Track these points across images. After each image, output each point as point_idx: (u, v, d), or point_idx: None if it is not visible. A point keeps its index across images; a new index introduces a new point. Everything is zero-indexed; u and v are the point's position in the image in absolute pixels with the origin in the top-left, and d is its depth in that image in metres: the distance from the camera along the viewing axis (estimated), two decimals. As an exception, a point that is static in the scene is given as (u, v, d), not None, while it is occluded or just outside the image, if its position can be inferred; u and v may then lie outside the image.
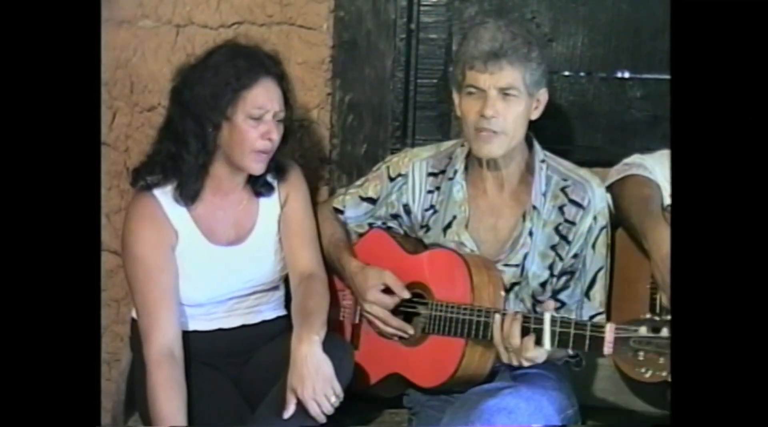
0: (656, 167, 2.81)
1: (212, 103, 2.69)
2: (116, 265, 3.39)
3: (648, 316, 2.39)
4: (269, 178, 2.88)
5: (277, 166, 2.87)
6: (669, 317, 2.32)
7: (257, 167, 2.76)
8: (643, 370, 2.33)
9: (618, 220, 2.85)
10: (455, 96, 2.81)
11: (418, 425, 2.83)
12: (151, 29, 3.30)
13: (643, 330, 2.34)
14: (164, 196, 2.78)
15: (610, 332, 2.41)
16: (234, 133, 2.72)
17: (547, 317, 2.49)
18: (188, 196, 2.77)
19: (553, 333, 2.48)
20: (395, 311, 2.83)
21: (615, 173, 2.89)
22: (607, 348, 2.41)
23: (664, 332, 2.31)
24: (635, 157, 2.89)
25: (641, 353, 2.34)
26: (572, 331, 2.47)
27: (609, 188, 2.86)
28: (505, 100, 2.68)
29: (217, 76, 2.70)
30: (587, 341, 2.45)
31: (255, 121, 2.71)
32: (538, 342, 2.50)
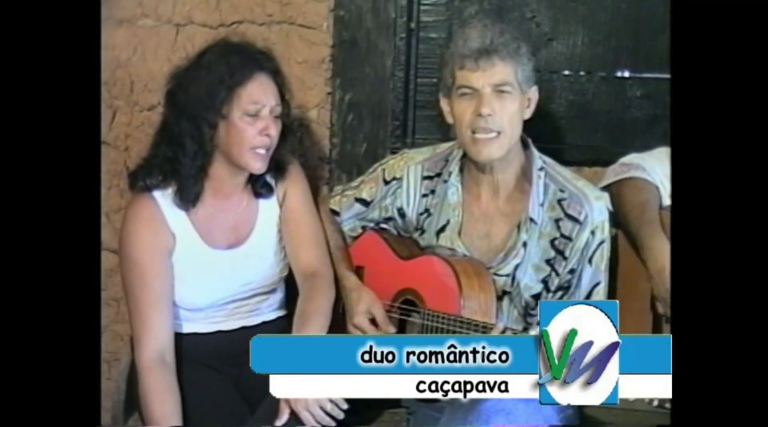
0: (656, 166, 2.80)
1: (207, 102, 2.68)
2: (116, 264, 3.36)
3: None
4: (268, 178, 2.87)
5: (277, 166, 2.86)
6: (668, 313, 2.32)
7: (258, 165, 2.74)
8: None
9: (617, 223, 2.82)
10: (444, 103, 2.79)
11: (416, 425, 2.83)
12: (151, 28, 3.30)
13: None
14: (164, 198, 2.76)
15: None
16: (231, 131, 2.70)
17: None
18: (188, 199, 2.75)
19: None
20: (390, 316, 2.83)
21: (612, 174, 2.87)
22: None
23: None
24: (633, 157, 2.88)
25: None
26: None
27: (606, 189, 2.83)
28: (499, 98, 2.66)
29: (210, 75, 2.69)
30: None
31: (251, 118, 2.70)
32: None
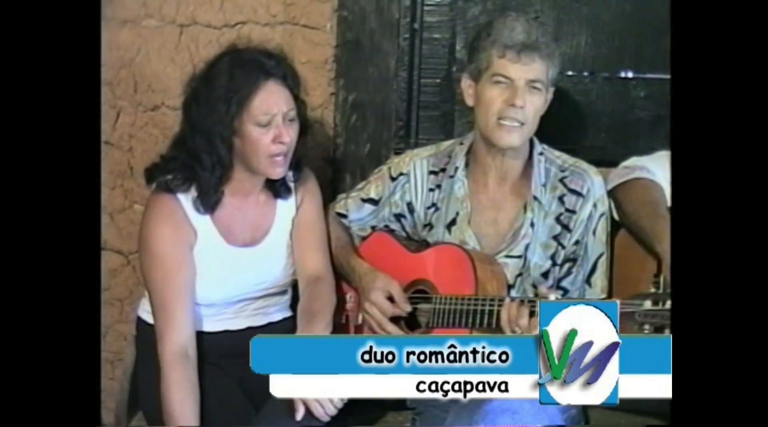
0: (657, 170, 2.80)
1: (217, 118, 2.68)
2: (120, 264, 3.40)
3: (651, 290, 2.41)
4: (288, 179, 2.87)
5: (296, 166, 2.86)
6: (670, 291, 2.34)
7: (277, 171, 2.75)
8: None
9: (624, 223, 2.84)
10: (468, 84, 2.83)
11: (422, 425, 2.83)
12: (154, 29, 3.31)
13: (647, 304, 2.37)
14: (186, 199, 2.77)
15: None
16: (246, 143, 2.71)
17: (551, 299, 2.48)
18: (208, 206, 2.76)
19: None
20: (397, 321, 2.83)
21: (616, 177, 2.87)
22: None
23: (668, 304, 2.33)
24: (635, 160, 2.89)
25: (646, 327, 2.36)
26: None
27: (611, 192, 2.86)
28: (530, 93, 2.73)
29: (217, 91, 2.69)
30: None
31: (264, 128, 2.70)
32: None
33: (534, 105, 2.74)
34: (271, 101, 2.70)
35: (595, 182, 2.83)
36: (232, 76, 2.70)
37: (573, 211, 2.81)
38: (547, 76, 2.75)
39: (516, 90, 2.72)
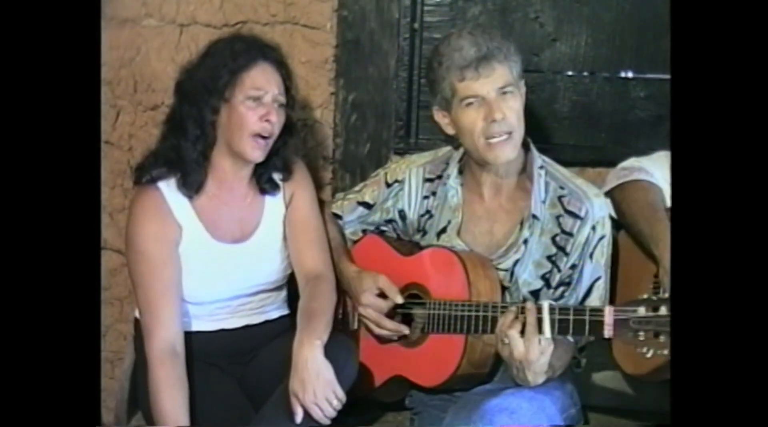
0: (655, 171, 2.80)
1: (210, 85, 2.71)
2: (119, 263, 3.40)
3: (645, 296, 2.39)
4: (274, 175, 2.88)
5: (283, 164, 2.87)
6: (667, 296, 2.32)
7: (256, 154, 2.75)
8: (644, 350, 2.33)
9: (622, 225, 2.83)
10: (440, 115, 2.80)
11: (420, 425, 2.83)
12: (154, 28, 3.32)
13: (641, 310, 2.35)
14: (168, 188, 2.77)
15: (609, 314, 2.40)
16: (232, 115, 2.72)
17: (545, 306, 2.47)
18: (192, 186, 2.76)
19: (552, 321, 2.46)
20: (393, 314, 2.83)
21: (614, 178, 2.86)
22: (608, 331, 2.40)
23: (663, 310, 2.31)
24: (632, 161, 2.88)
25: (641, 333, 2.34)
26: (571, 317, 2.46)
27: (609, 193, 2.84)
28: (505, 100, 2.67)
29: (215, 60, 2.73)
30: (587, 326, 2.44)
31: (254, 103, 2.71)
32: (539, 331, 2.47)
33: (513, 110, 2.69)
34: (264, 78, 2.73)
35: (594, 204, 2.75)
36: (232, 49, 2.74)
37: (570, 234, 2.74)
38: (513, 76, 2.70)
39: (491, 104, 2.67)
